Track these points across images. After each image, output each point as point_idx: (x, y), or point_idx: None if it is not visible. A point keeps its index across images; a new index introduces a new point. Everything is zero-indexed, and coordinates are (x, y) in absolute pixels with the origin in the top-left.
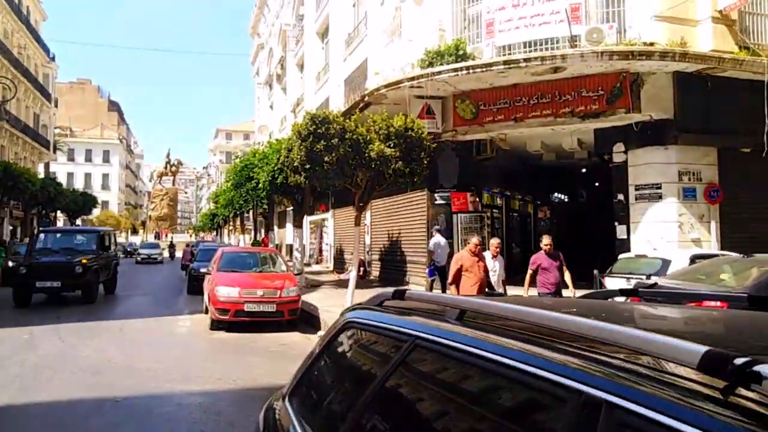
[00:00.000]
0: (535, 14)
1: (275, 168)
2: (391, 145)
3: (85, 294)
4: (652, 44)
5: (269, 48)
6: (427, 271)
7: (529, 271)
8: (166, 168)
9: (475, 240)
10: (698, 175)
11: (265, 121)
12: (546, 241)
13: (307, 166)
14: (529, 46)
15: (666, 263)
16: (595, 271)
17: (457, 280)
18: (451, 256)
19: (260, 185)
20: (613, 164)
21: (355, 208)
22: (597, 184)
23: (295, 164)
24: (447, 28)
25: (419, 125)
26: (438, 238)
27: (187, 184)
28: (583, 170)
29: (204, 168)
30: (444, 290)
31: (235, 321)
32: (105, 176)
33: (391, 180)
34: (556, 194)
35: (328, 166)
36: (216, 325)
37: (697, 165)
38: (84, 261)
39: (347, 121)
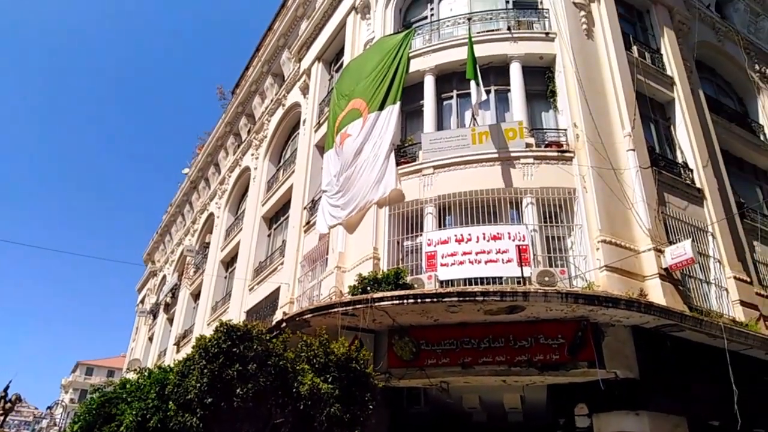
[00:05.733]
0: (481, 251)
1: (151, 405)
2: (329, 380)
3: None
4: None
5: (162, 275)
6: None
7: None
8: None
9: None
10: None
11: (140, 354)
12: None
13: (209, 400)
14: (475, 284)
15: None
16: None
17: None
18: None
19: (122, 428)
20: (578, 430)
21: None
22: None
23: (190, 396)
24: (382, 257)
25: (365, 356)
26: None
27: (21, 427)
28: None
29: (48, 408)
30: None
31: None
32: None
33: (324, 429)
34: None
35: (239, 402)
36: None
37: None
38: None
39: (274, 340)
